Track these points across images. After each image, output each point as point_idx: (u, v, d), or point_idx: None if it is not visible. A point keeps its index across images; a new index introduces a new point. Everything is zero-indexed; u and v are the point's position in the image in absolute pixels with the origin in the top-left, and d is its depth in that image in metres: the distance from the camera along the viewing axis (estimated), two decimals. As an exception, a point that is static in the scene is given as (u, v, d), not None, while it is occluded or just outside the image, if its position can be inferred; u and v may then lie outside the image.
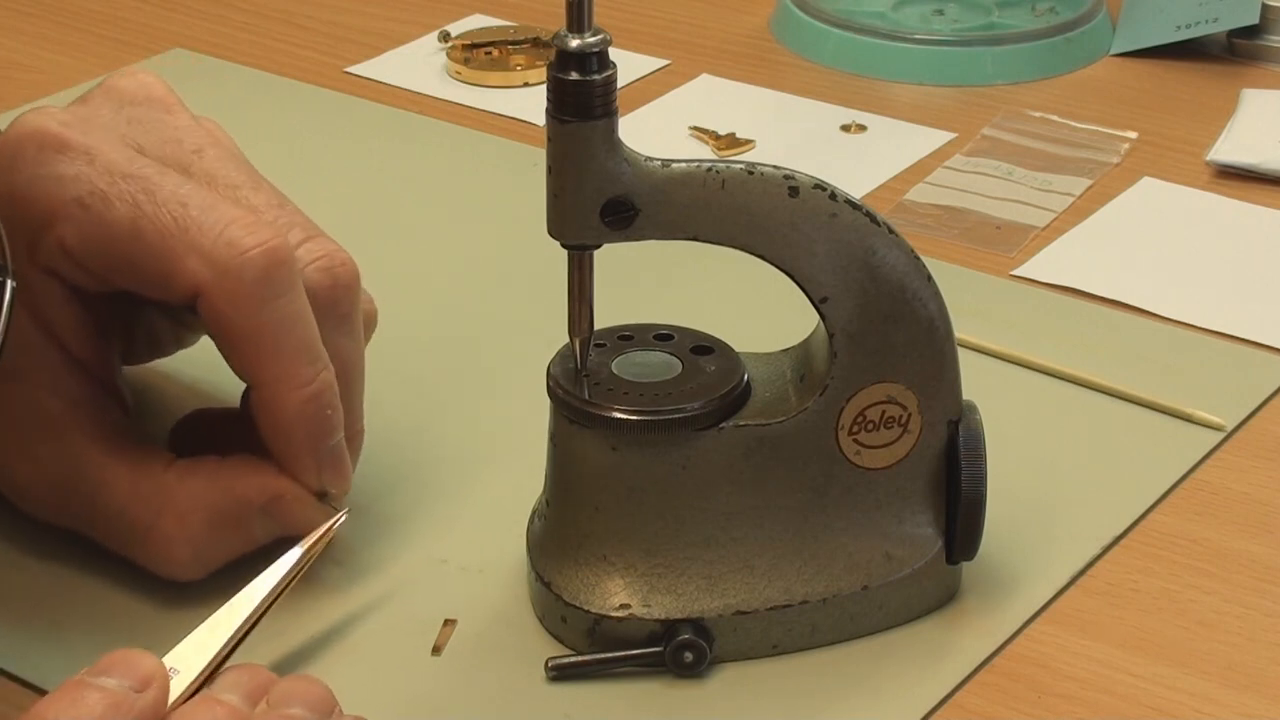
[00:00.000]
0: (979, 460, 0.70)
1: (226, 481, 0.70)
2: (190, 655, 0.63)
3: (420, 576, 0.73)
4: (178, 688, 0.62)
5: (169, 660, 0.62)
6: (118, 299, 0.72)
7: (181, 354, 0.80)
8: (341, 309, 0.71)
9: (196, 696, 0.62)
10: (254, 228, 0.68)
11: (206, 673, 0.63)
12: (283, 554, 0.68)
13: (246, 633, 0.65)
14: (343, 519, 0.70)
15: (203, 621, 0.65)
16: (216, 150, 0.73)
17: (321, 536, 0.69)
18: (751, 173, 0.66)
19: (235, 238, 0.67)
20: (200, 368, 0.81)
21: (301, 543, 0.69)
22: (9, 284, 0.63)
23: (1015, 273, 0.94)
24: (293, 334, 0.68)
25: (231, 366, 0.70)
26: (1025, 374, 0.86)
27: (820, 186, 0.66)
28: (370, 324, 0.75)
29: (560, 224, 0.66)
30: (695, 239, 0.67)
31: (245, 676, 0.62)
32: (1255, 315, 0.90)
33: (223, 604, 0.66)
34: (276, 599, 0.67)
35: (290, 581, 0.67)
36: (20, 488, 0.73)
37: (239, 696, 0.61)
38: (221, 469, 0.71)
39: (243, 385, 0.72)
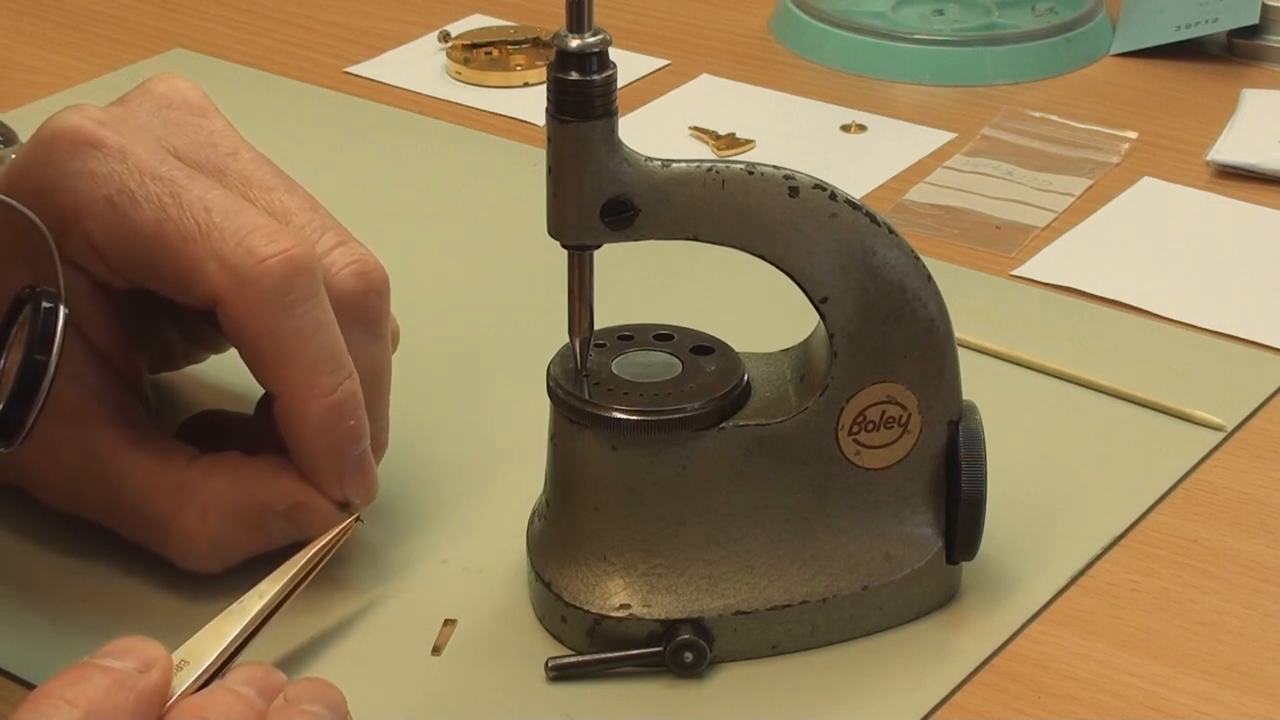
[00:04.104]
0: (979, 460, 0.70)
1: (249, 484, 0.70)
2: (199, 650, 0.63)
3: (420, 576, 0.73)
4: (187, 680, 0.62)
5: (179, 654, 0.63)
6: (142, 299, 0.72)
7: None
8: (372, 315, 0.71)
9: (210, 687, 0.62)
10: (275, 235, 0.68)
11: (216, 666, 0.63)
12: (295, 552, 0.69)
13: (256, 630, 0.65)
14: (356, 525, 0.71)
15: (210, 619, 0.65)
16: (251, 154, 0.73)
17: (335, 541, 0.69)
18: (751, 173, 0.66)
19: (255, 245, 0.67)
20: (218, 369, 0.81)
21: (311, 544, 0.69)
22: (61, 310, 0.63)
23: (1015, 273, 0.94)
24: (313, 342, 0.68)
25: (253, 375, 0.70)
26: (1025, 374, 0.86)
27: (820, 186, 0.66)
28: (394, 342, 0.75)
29: (560, 224, 0.66)
30: (695, 239, 0.67)
31: (259, 673, 0.62)
32: (1255, 315, 0.90)
33: (230, 601, 0.66)
34: (287, 599, 0.67)
35: (302, 582, 0.68)
36: (36, 477, 0.73)
37: (253, 691, 0.61)
38: (245, 469, 0.71)
39: (259, 389, 0.72)
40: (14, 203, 0.65)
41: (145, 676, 0.59)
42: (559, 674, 0.69)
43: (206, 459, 0.71)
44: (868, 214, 0.67)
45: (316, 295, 0.68)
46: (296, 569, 0.68)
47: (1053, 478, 0.79)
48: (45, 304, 0.64)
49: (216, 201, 0.69)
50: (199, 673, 0.63)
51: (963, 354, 0.70)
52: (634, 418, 0.67)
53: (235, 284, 0.67)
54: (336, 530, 0.70)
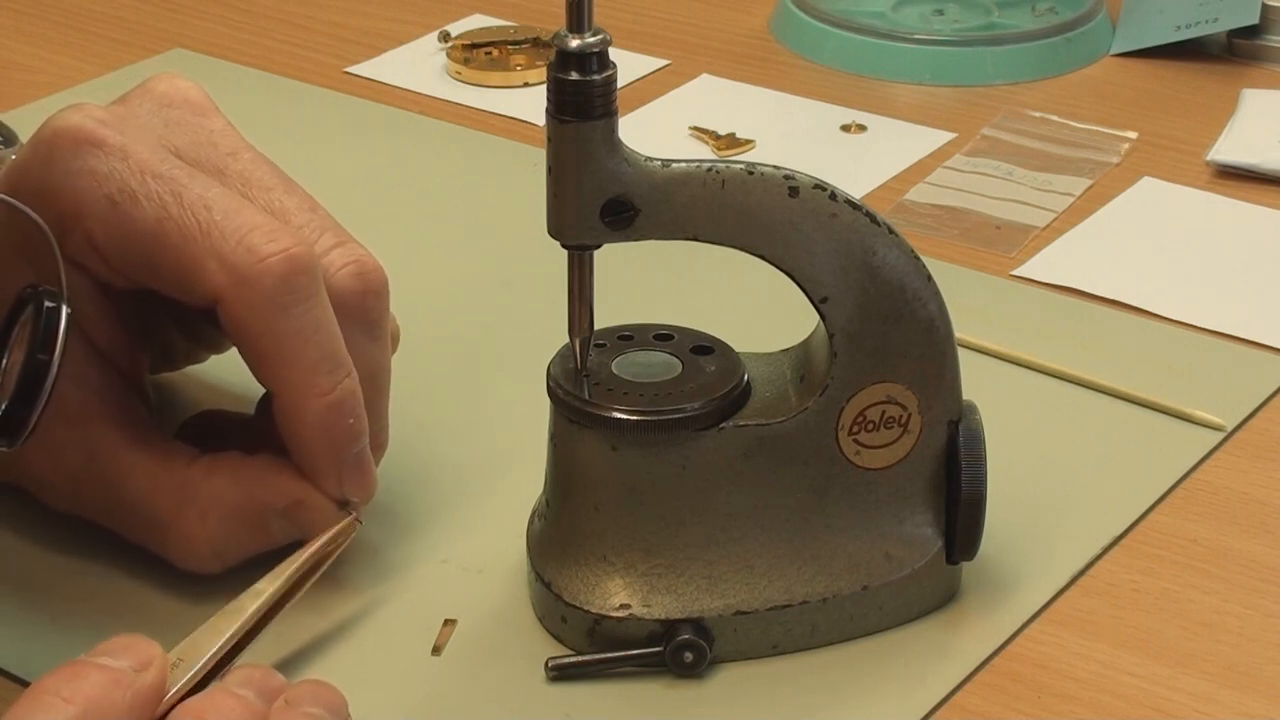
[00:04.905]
0: (979, 460, 0.70)
1: (249, 483, 0.70)
2: (195, 649, 0.64)
3: (421, 576, 0.73)
4: (181, 679, 0.62)
5: (175, 653, 0.63)
6: (144, 299, 0.72)
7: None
8: (371, 315, 0.71)
9: (210, 688, 0.62)
10: (274, 235, 0.68)
11: (211, 665, 0.63)
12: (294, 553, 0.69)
13: (255, 631, 0.65)
14: (357, 527, 0.71)
15: (207, 619, 0.65)
16: (251, 154, 0.73)
17: (335, 544, 0.69)
18: (751, 173, 0.66)
19: (255, 244, 0.67)
20: (218, 369, 0.81)
21: (310, 543, 0.69)
22: (64, 310, 0.64)
23: (1015, 273, 0.94)
24: (312, 342, 0.68)
25: (253, 373, 0.70)
26: (1025, 374, 0.86)
27: (820, 186, 0.66)
28: (394, 342, 0.75)
29: (560, 224, 0.66)
30: (695, 239, 0.67)
31: (258, 675, 0.62)
32: (1255, 315, 0.90)
33: (228, 602, 0.66)
34: (286, 602, 0.67)
35: (301, 586, 0.68)
36: (37, 477, 0.73)
37: (253, 692, 0.61)
38: (244, 469, 0.71)
39: (260, 389, 0.72)
40: (16, 203, 0.66)
41: (142, 676, 0.59)
42: (559, 674, 0.69)
43: (207, 459, 0.71)
44: (868, 214, 0.67)
45: (316, 295, 0.68)
46: (295, 567, 0.68)
47: (1053, 478, 0.79)
48: (48, 304, 0.64)
49: (217, 200, 0.69)
50: (193, 671, 0.63)
51: (963, 354, 0.70)
52: (634, 418, 0.67)
53: (235, 283, 0.67)
54: (336, 531, 0.70)
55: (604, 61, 0.64)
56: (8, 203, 0.66)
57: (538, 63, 1.15)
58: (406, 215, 0.99)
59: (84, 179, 0.69)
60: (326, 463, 0.70)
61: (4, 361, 0.65)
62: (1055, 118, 1.10)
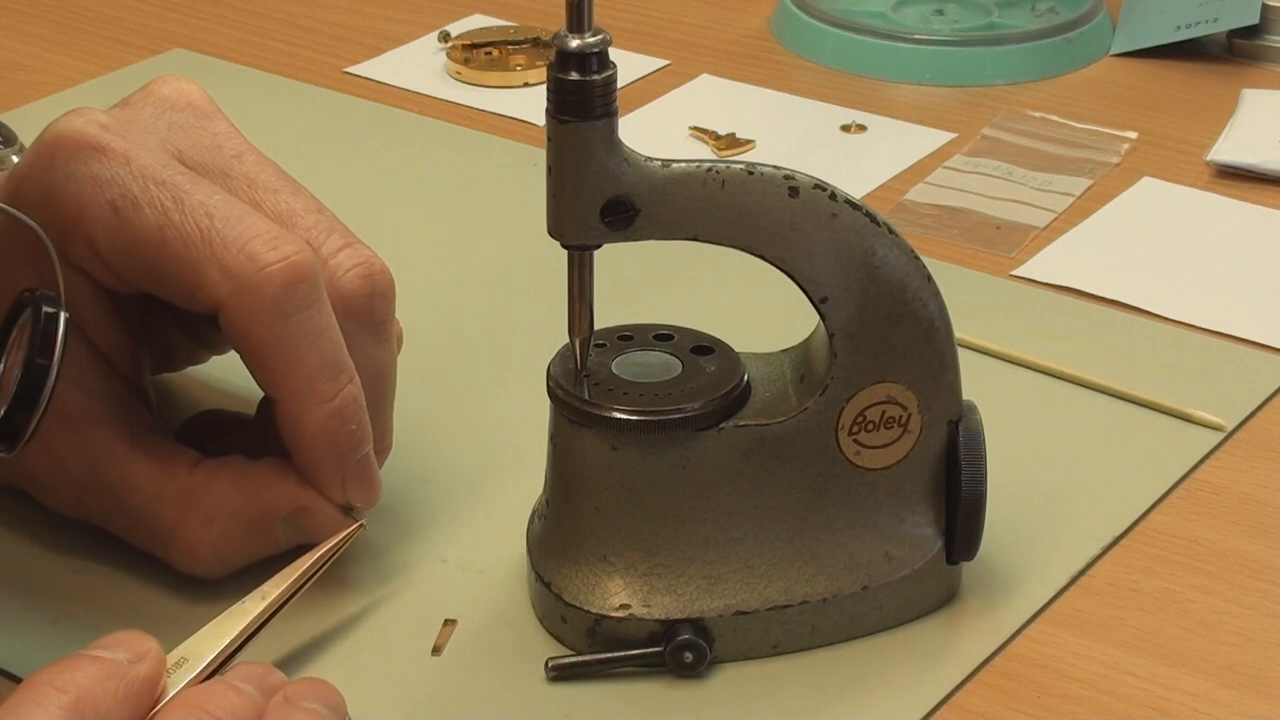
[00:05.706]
0: (979, 460, 0.70)
1: (252, 488, 0.70)
2: (199, 649, 0.64)
3: (420, 576, 0.73)
4: (185, 678, 0.62)
5: (179, 652, 0.63)
6: (146, 302, 0.72)
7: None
8: (377, 317, 0.71)
9: (211, 680, 0.62)
10: (276, 242, 0.68)
11: (215, 664, 0.63)
12: (299, 556, 0.69)
13: (256, 631, 0.65)
14: (361, 529, 0.71)
15: (208, 620, 0.65)
16: (255, 156, 0.73)
17: (339, 545, 0.70)
18: (751, 173, 0.66)
19: (256, 252, 0.67)
20: (218, 369, 0.81)
21: (316, 549, 0.69)
22: (62, 316, 0.64)
23: (1015, 273, 0.94)
24: (314, 349, 0.68)
25: (256, 380, 0.70)
26: (1025, 374, 0.86)
27: (820, 186, 0.66)
28: (398, 344, 0.75)
29: (560, 224, 0.66)
30: (695, 239, 0.67)
31: (259, 671, 0.62)
32: (1255, 315, 0.90)
33: (232, 603, 0.66)
34: (288, 602, 0.67)
35: (303, 587, 0.68)
36: (40, 481, 0.73)
37: (252, 687, 0.61)
38: (247, 474, 0.71)
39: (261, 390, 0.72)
40: (15, 211, 0.66)
41: (136, 667, 0.60)
42: (559, 674, 0.69)
43: (210, 464, 0.71)
44: (868, 214, 0.67)
45: (318, 302, 0.68)
46: (300, 572, 0.68)
47: (1053, 478, 0.79)
48: (46, 308, 0.64)
49: (219, 207, 0.69)
50: (197, 670, 0.63)
51: (963, 354, 0.70)
52: (634, 418, 0.67)
53: (236, 291, 0.67)
54: (339, 537, 0.70)
55: (604, 61, 0.64)
56: (7, 211, 0.66)
57: (538, 63, 1.15)
58: (406, 215, 0.99)
59: (86, 185, 0.69)
60: (330, 469, 0.70)
61: (2, 364, 0.65)
62: (1055, 118, 1.10)
